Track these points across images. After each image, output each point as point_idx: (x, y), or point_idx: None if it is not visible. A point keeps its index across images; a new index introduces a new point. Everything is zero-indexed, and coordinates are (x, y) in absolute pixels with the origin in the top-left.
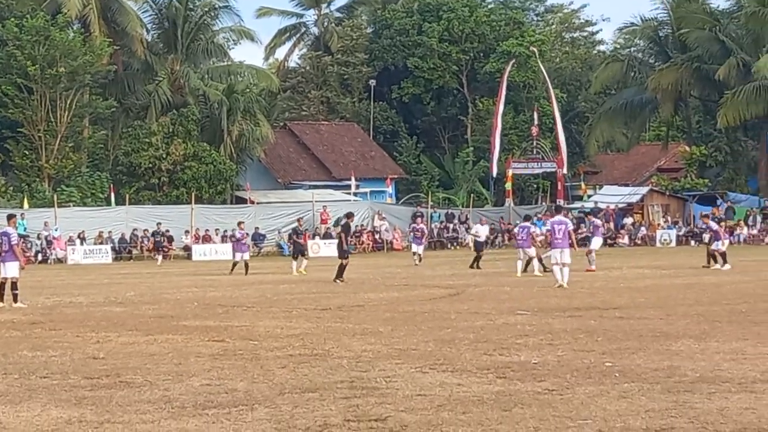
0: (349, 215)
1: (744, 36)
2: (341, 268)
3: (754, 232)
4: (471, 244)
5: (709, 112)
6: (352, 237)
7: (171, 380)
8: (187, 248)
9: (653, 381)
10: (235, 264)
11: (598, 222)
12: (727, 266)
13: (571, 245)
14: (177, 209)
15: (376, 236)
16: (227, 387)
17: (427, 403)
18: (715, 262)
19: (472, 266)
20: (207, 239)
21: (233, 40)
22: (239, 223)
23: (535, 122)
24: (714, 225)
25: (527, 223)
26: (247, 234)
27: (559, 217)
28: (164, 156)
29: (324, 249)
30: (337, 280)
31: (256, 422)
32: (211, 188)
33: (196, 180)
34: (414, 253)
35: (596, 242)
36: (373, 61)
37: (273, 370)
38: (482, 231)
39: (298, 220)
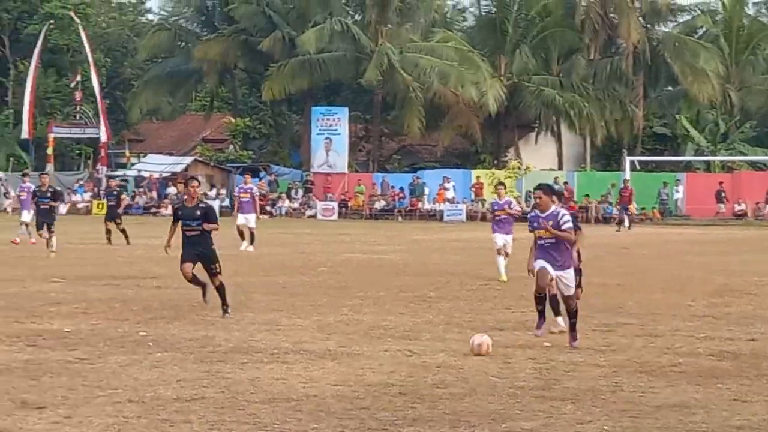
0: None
1: (290, 11)
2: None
3: (296, 205)
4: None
5: (255, 85)
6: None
7: None
8: None
9: (187, 351)
10: None
11: None
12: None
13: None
14: None
15: None
16: None
17: None
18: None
19: None
20: None
21: None
22: None
23: (78, 87)
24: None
25: None
26: None
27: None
28: None
29: None
30: None
31: None
32: None
33: None
34: None
35: None
36: None
37: None
38: None
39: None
